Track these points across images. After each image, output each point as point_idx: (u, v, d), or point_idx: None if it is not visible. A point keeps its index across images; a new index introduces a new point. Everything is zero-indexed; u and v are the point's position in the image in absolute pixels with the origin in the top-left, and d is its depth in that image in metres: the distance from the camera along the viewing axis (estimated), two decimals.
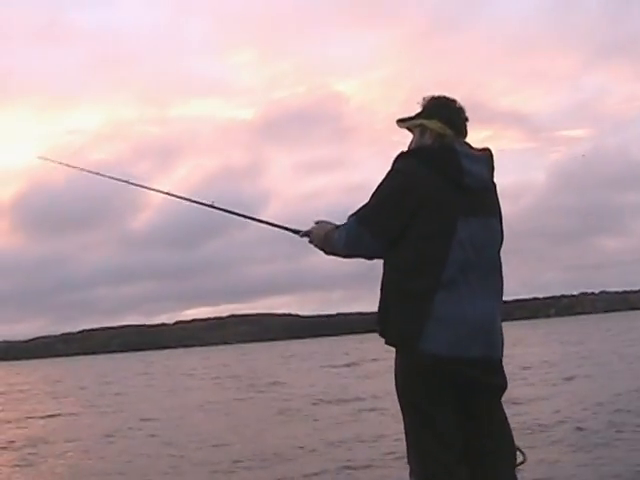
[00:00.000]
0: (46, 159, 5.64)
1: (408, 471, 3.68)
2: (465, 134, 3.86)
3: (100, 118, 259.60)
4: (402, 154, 3.76)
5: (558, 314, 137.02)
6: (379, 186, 3.74)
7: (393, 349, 3.73)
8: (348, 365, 30.32)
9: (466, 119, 3.86)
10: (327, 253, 3.96)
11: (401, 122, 3.92)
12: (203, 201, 4.57)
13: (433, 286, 3.56)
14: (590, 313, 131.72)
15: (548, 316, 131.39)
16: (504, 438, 3.73)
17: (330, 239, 3.88)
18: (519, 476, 3.71)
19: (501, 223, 3.85)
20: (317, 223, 4.04)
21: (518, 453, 3.79)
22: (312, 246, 4.02)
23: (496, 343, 3.68)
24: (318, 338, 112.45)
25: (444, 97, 3.85)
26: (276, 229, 4.27)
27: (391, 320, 3.67)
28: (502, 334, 3.74)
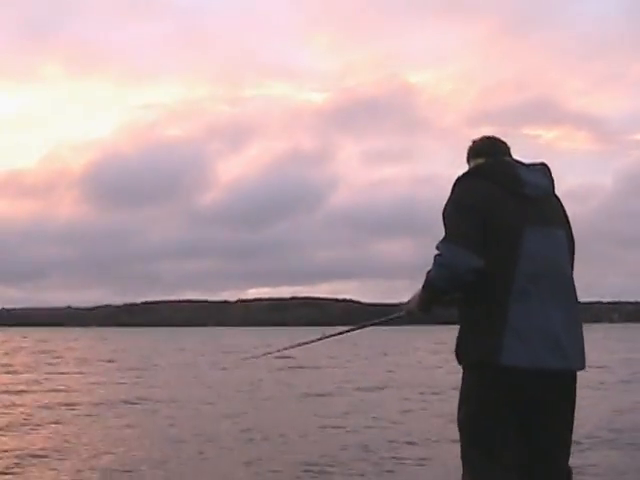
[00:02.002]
0: None
1: None
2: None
3: (175, 94, 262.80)
4: (460, 177, 3.77)
5: (622, 320, 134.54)
6: (447, 211, 3.69)
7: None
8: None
9: (508, 148, 3.91)
10: (427, 305, 3.76)
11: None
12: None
13: (505, 299, 3.51)
14: None
15: (611, 321, 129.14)
16: (562, 445, 3.66)
17: (425, 284, 3.67)
18: None
19: (570, 233, 3.80)
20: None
21: None
22: (412, 318, 3.90)
23: (572, 354, 3.57)
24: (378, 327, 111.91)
25: (484, 136, 3.95)
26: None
27: (468, 338, 3.62)
28: (581, 344, 3.62)
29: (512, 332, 3.47)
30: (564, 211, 3.81)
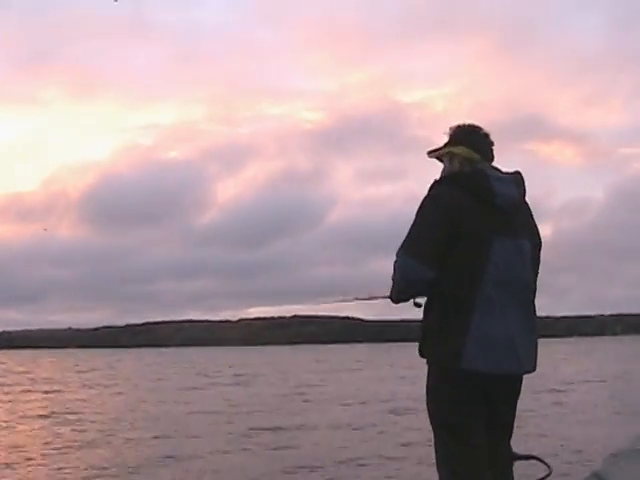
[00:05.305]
0: None
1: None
2: (492, 158, 4.02)
3: (172, 116, 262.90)
4: (436, 182, 3.90)
5: (625, 332, 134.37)
6: (417, 214, 3.85)
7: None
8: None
9: (491, 143, 4.03)
10: (394, 301, 4.02)
11: (431, 152, 4.11)
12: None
13: (470, 306, 3.71)
14: None
15: (615, 334, 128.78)
16: (509, 424, 3.99)
17: (392, 284, 3.94)
18: None
19: (536, 244, 3.99)
20: None
21: (543, 465, 4.11)
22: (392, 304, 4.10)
23: (526, 358, 3.85)
24: (379, 343, 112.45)
25: (469, 125, 4.02)
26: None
27: (432, 340, 3.85)
28: (534, 349, 3.92)
29: (474, 339, 3.70)
30: (532, 220, 4.01)
